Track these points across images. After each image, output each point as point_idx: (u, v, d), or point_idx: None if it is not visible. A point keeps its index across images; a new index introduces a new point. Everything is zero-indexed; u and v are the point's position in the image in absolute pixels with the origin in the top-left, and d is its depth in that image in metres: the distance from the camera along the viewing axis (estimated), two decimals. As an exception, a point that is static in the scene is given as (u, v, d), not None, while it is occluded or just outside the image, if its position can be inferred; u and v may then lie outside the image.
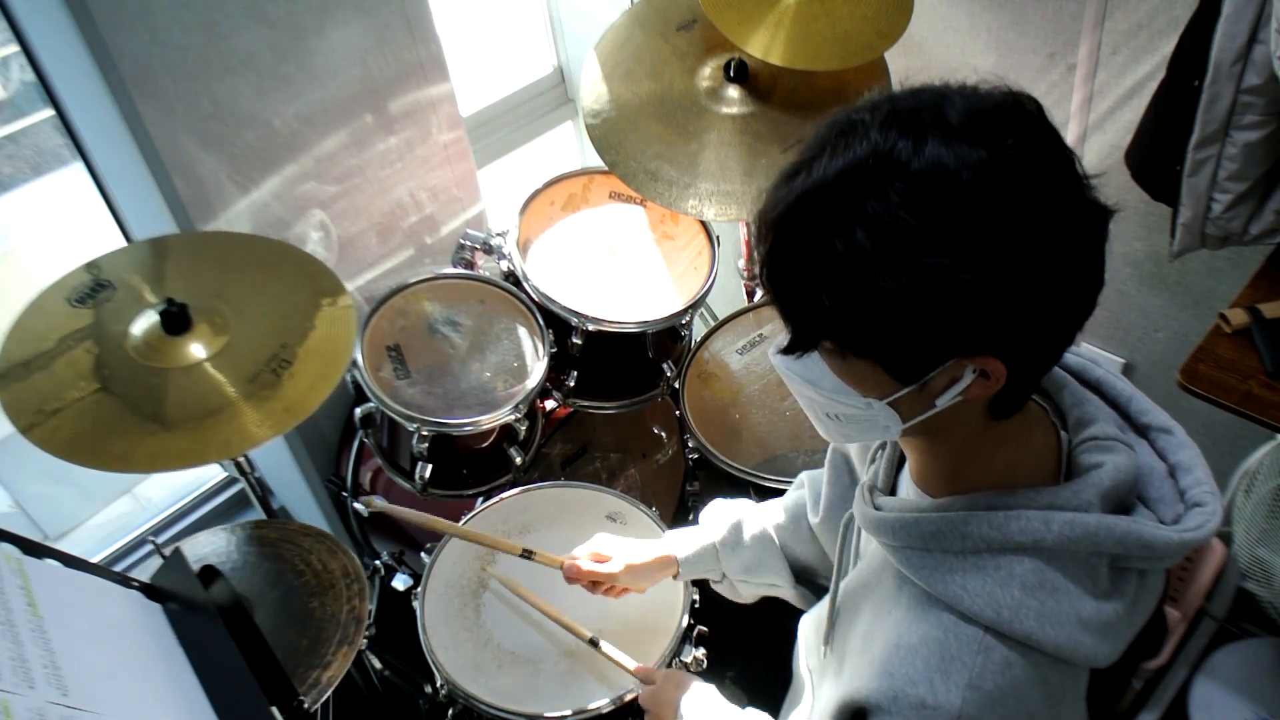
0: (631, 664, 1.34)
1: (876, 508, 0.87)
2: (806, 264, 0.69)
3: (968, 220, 0.65)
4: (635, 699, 1.37)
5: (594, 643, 1.38)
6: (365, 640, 1.50)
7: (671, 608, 1.47)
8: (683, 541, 1.30)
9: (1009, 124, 0.67)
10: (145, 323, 1.43)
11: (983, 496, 0.80)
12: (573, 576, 1.32)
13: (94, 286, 1.47)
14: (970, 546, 0.78)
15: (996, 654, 0.77)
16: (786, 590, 1.26)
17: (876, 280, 0.66)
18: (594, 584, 1.33)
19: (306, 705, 1.35)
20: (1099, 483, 0.78)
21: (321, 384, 1.41)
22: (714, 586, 1.33)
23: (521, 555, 1.37)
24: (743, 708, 1.16)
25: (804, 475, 1.25)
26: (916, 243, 0.65)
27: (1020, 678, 0.77)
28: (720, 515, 1.28)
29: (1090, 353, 1.88)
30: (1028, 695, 0.77)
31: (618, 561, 1.30)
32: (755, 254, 0.75)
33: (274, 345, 1.44)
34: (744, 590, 1.28)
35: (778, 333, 0.75)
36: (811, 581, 1.26)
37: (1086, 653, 0.77)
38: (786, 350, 0.76)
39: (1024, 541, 0.76)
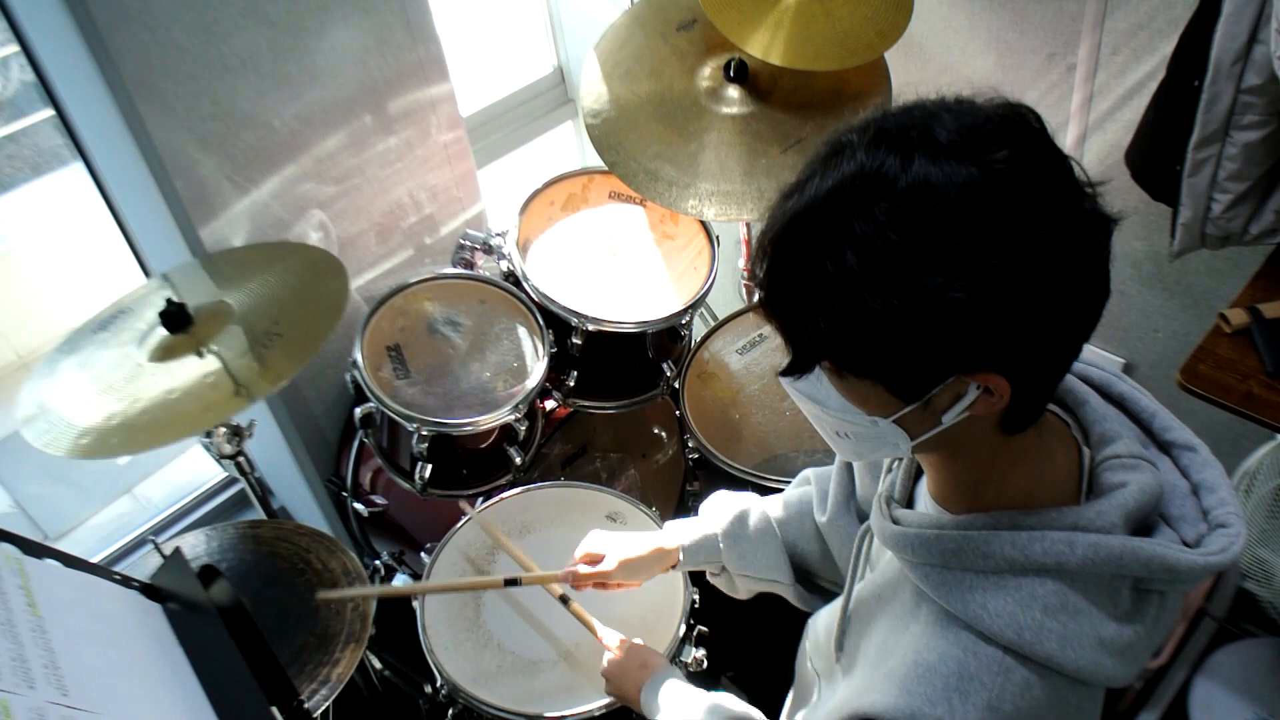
0: (600, 628, 1.32)
1: (895, 521, 0.86)
2: (800, 286, 0.69)
3: (958, 238, 0.64)
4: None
5: (564, 599, 1.35)
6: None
7: (671, 608, 1.47)
8: (683, 531, 1.27)
9: (1001, 138, 0.66)
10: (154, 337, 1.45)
11: (1005, 515, 0.79)
12: (578, 585, 1.30)
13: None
14: (992, 566, 0.78)
15: (1016, 675, 0.76)
16: (786, 587, 1.24)
17: (868, 301, 0.66)
18: (601, 584, 1.30)
19: (319, 701, 1.35)
20: (1124, 503, 0.77)
21: (302, 350, 1.41)
22: (710, 579, 1.30)
23: (505, 586, 1.34)
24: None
25: (809, 472, 1.24)
26: (906, 262, 0.65)
27: (1039, 699, 0.76)
28: (723, 506, 1.26)
29: (1090, 353, 1.88)
30: (1046, 717, 0.77)
31: (611, 559, 1.27)
32: (755, 274, 0.74)
33: (267, 323, 1.45)
34: (741, 584, 1.26)
35: (778, 334, 0.75)
36: (810, 580, 1.25)
37: (1107, 674, 0.76)
38: (786, 371, 0.75)
39: (1047, 563, 0.76)
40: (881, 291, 0.65)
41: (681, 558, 1.26)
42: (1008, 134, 0.67)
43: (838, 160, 0.68)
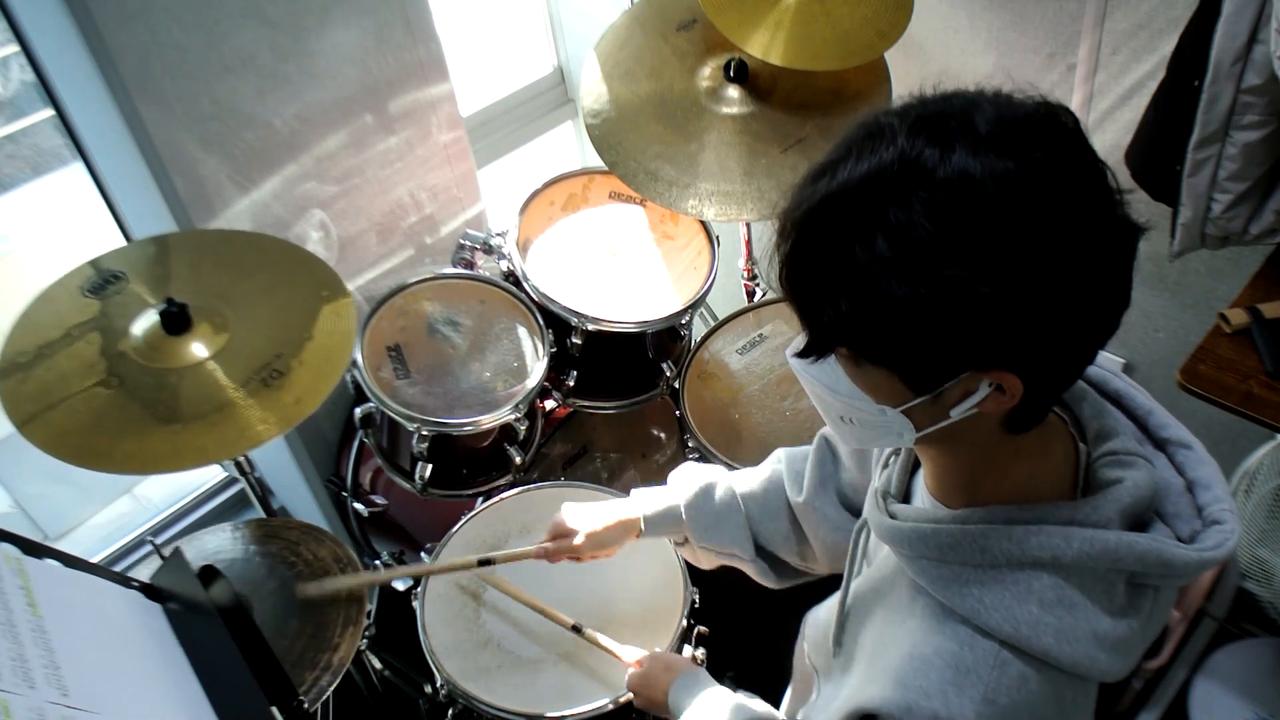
0: (617, 648, 1.34)
1: (891, 516, 0.86)
2: (826, 268, 0.68)
3: (989, 233, 0.64)
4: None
5: (577, 629, 1.37)
6: (365, 640, 1.50)
7: (671, 608, 1.47)
8: (648, 501, 1.28)
9: (1040, 136, 0.66)
10: (145, 322, 1.43)
11: (1002, 510, 0.79)
12: (552, 559, 1.30)
13: (108, 278, 1.47)
14: (989, 560, 0.78)
15: (1012, 669, 0.76)
16: (746, 562, 1.25)
17: (894, 289, 0.65)
18: (575, 558, 1.31)
19: (323, 688, 1.36)
20: (1119, 499, 0.77)
21: (309, 397, 1.39)
22: (675, 548, 1.31)
23: (479, 566, 1.37)
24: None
25: (781, 452, 1.24)
26: (936, 253, 0.64)
27: (1035, 693, 0.76)
28: (690, 477, 1.27)
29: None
30: (1041, 710, 0.77)
31: (579, 533, 1.28)
32: (775, 254, 0.73)
33: (269, 354, 1.43)
34: (703, 556, 1.27)
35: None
36: (772, 557, 1.25)
37: (1102, 668, 0.77)
38: (802, 354, 0.75)
39: (1043, 557, 0.76)
40: (909, 279, 0.65)
41: (643, 528, 1.27)
42: (1046, 132, 0.67)
43: (874, 144, 0.67)
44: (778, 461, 1.24)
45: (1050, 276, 0.65)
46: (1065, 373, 0.74)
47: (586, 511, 1.30)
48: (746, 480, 1.25)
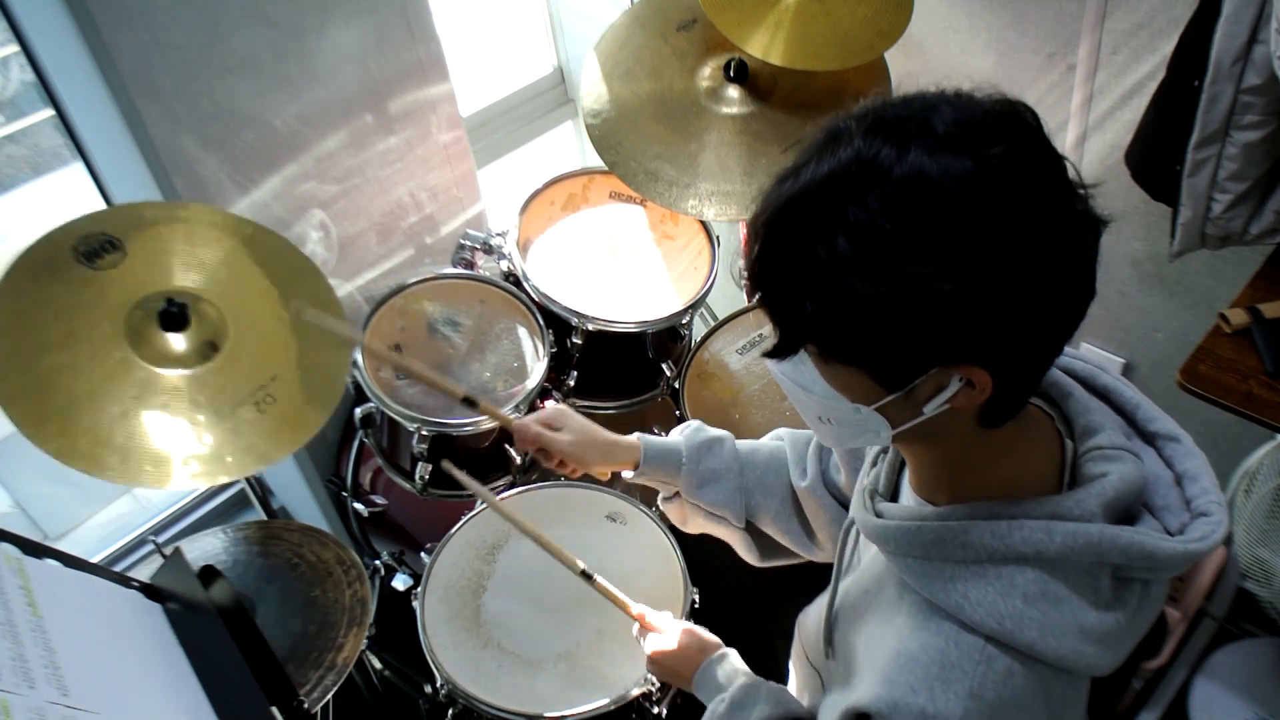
0: (631, 603, 1.26)
1: (877, 514, 0.87)
2: (791, 269, 0.70)
3: (949, 230, 0.65)
4: (635, 700, 1.37)
5: (587, 575, 1.29)
6: (365, 639, 1.50)
7: (671, 608, 1.47)
8: (650, 439, 1.25)
9: (997, 133, 0.66)
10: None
11: (984, 505, 0.79)
12: (522, 435, 1.25)
13: (103, 244, 1.41)
14: (972, 556, 0.78)
15: (998, 664, 0.77)
16: (735, 531, 1.22)
17: (857, 288, 0.66)
18: (541, 451, 1.26)
19: (328, 687, 1.37)
20: (1103, 492, 0.77)
21: (298, 432, 1.36)
22: (661, 504, 1.28)
23: (463, 403, 1.33)
24: None
25: (784, 431, 1.23)
26: (896, 251, 0.65)
27: (1022, 687, 0.77)
28: (697, 429, 1.25)
29: (1090, 353, 1.89)
30: (1029, 705, 0.77)
31: (569, 433, 1.24)
32: (747, 256, 0.75)
33: (263, 376, 1.38)
34: (691, 515, 1.24)
35: (766, 315, 0.76)
36: (759, 531, 1.23)
37: (1088, 662, 0.77)
38: (772, 354, 0.76)
39: (1026, 552, 0.76)
40: (871, 278, 0.66)
41: (641, 462, 1.23)
42: (1004, 129, 0.67)
43: (834, 146, 0.69)
44: (779, 440, 1.23)
45: (1012, 272, 0.66)
46: (1034, 366, 0.75)
47: (586, 424, 1.26)
48: (750, 448, 1.23)
